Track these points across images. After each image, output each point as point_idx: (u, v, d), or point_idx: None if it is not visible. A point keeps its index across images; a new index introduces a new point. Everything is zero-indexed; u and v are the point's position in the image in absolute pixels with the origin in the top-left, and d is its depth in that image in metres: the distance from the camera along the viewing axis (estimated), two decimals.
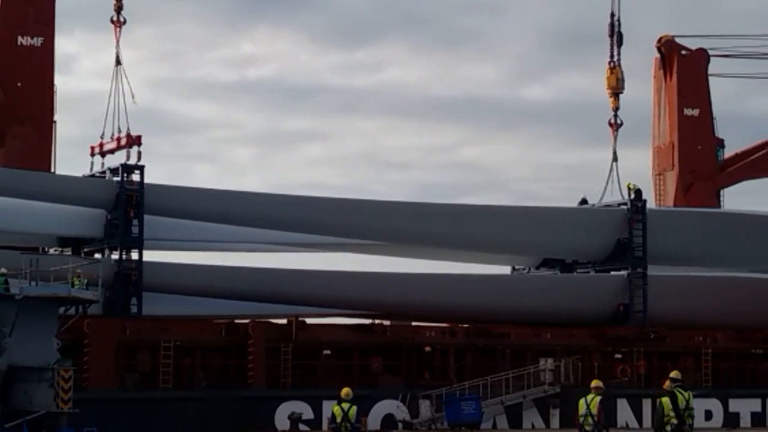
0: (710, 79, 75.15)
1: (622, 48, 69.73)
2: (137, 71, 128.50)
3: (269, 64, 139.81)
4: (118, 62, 59.02)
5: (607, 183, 67.14)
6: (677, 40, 75.28)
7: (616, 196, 66.37)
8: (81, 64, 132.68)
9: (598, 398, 31.13)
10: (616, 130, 69.58)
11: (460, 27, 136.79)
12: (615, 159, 67.99)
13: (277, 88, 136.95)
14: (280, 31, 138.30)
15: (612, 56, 69.78)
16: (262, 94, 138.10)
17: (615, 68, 69.71)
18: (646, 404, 59.04)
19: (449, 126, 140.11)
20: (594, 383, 32.10)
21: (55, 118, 60.02)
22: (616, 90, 69.64)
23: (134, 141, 56.75)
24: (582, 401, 31.36)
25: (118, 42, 59.09)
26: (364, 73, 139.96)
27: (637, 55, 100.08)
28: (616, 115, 69.78)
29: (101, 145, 58.62)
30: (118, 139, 57.64)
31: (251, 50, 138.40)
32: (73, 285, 45.94)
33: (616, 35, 69.37)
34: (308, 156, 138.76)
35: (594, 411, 31.02)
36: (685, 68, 74.48)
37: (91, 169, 58.64)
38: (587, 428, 30.88)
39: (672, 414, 30.82)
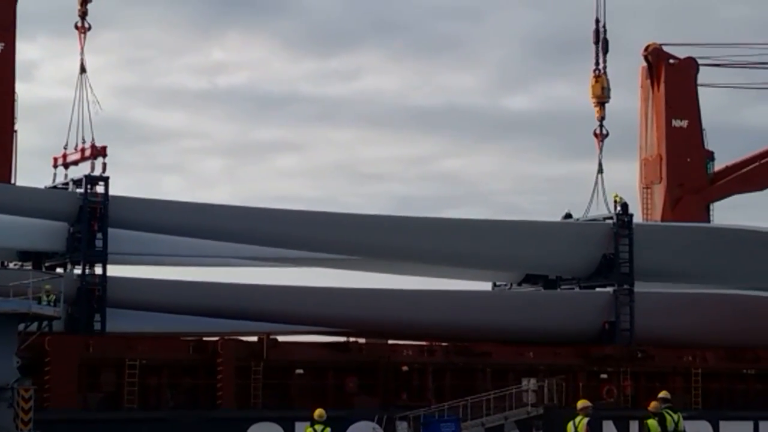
0: (700, 89, 74.23)
1: (608, 56, 68.67)
2: (103, 78, 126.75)
3: (240, 72, 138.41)
4: (82, 70, 57.76)
5: (592, 195, 65.95)
6: (665, 48, 74.35)
7: (602, 208, 65.15)
8: (43, 70, 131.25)
9: (586, 420, 29.86)
10: (602, 140, 68.13)
11: (439, 34, 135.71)
12: (600, 171, 66.63)
13: (249, 96, 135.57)
14: (251, 38, 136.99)
15: (597, 64, 68.37)
16: (233, 102, 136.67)
17: (600, 76, 68.28)
18: (633, 426, 57.96)
19: (428, 137, 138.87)
20: (580, 404, 30.69)
21: (16, 127, 58.63)
22: (602, 99, 68.21)
23: (99, 152, 55.45)
24: (570, 425, 30.04)
25: (82, 49, 57.98)
26: (340, 82, 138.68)
27: (624, 63, 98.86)
28: (601, 125, 68.30)
29: (65, 156, 57.32)
30: (83, 150, 56.28)
31: (222, 57, 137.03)
32: (40, 301, 44.91)
33: (601, 42, 68.02)
34: (281, 167, 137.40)
35: None
36: (673, 78, 73.51)
37: (54, 180, 57.37)
38: None
39: None
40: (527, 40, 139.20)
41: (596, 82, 68.23)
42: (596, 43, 68.13)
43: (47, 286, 46.63)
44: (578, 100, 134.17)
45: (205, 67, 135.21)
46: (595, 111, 68.34)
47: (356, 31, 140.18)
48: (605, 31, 67.95)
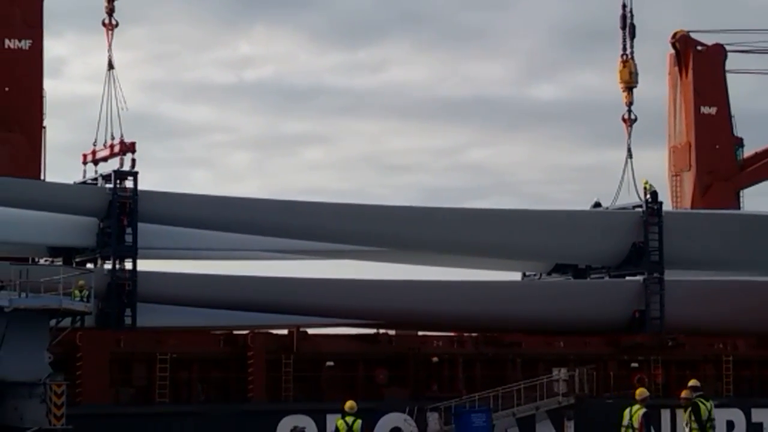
0: (728, 75, 73.84)
1: (636, 43, 68.08)
2: (130, 74, 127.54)
3: (267, 65, 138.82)
4: (110, 66, 57.87)
5: (621, 181, 65.76)
6: (692, 35, 74.16)
7: (632, 194, 64.86)
8: (72, 67, 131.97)
9: (642, 411, 29.46)
10: (630, 125, 67.93)
11: (466, 24, 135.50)
12: (630, 156, 66.46)
13: (276, 89, 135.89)
14: (278, 31, 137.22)
15: (624, 49, 68.04)
16: (261, 96, 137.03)
17: (628, 61, 67.99)
18: (665, 415, 57.69)
19: (456, 127, 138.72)
20: (639, 393, 30.25)
21: (45, 123, 59.20)
22: (630, 84, 67.98)
23: (128, 148, 55.51)
24: (626, 412, 29.64)
25: (110, 46, 58.12)
26: (366, 73, 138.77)
27: (651, 51, 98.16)
28: (629, 111, 68.13)
29: (94, 153, 57.51)
30: (111, 147, 56.41)
31: (248, 51, 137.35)
32: (72, 296, 45.06)
33: (628, 27, 67.70)
34: (309, 160, 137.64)
35: (636, 425, 29.33)
36: (701, 65, 73.26)
37: (84, 177, 57.41)
38: None
39: (696, 426, 29.49)
40: (554, 28, 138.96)
41: (624, 67, 67.95)
42: (623, 28, 67.80)
43: (81, 282, 46.80)
44: (606, 88, 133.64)
45: (232, 61, 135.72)
46: (623, 96, 68.19)
47: (382, 22, 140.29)
48: (632, 15, 67.55)
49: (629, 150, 66.83)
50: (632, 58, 68.08)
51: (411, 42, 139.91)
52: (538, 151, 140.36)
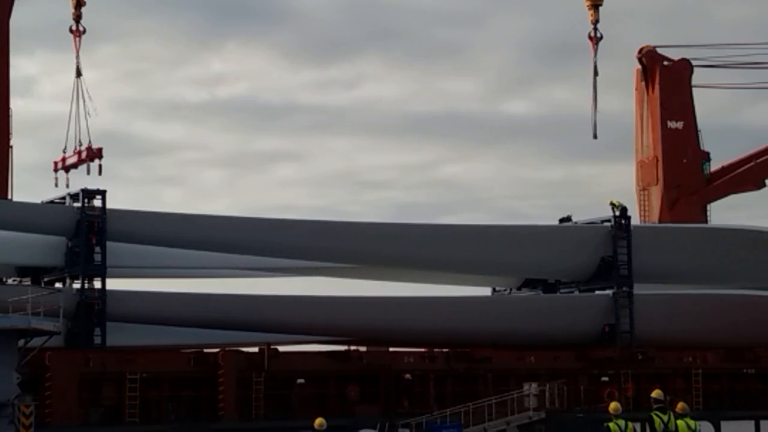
0: (695, 90, 74.21)
1: (602, 59, 70.26)
2: (101, 91, 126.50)
3: (240, 83, 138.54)
4: (78, 74, 57.66)
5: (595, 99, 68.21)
6: (659, 50, 74.39)
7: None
8: (41, 86, 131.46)
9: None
10: (596, 43, 70.08)
11: (437, 40, 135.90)
12: (596, 73, 69.23)
13: (248, 107, 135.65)
14: (250, 48, 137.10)
15: None
16: (233, 113, 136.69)
17: None
18: (636, 428, 57.24)
19: (427, 143, 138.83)
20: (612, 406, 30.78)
21: (12, 142, 58.59)
22: (596, 2, 69.95)
23: (95, 154, 55.62)
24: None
25: (77, 52, 57.99)
26: (339, 90, 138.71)
27: (618, 66, 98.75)
28: (595, 29, 70.25)
29: (63, 160, 57.41)
30: (79, 153, 56.25)
31: (221, 68, 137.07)
32: None
33: None
34: (281, 177, 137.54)
35: None
36: (667, 79, 73.57)
37: (56, 184, 57.44)
38: None
39: None
40: (525, 44, 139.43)
41: None
42: None
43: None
44: (577, 103, 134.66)
45: (205, 78, 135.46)
46: (588, 14, 70.30)
47: (355, 39, 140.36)
48: None
49: (595, 68, 69.38)
50: None
51: (383, 59, 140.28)
52: (509, 166, 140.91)
